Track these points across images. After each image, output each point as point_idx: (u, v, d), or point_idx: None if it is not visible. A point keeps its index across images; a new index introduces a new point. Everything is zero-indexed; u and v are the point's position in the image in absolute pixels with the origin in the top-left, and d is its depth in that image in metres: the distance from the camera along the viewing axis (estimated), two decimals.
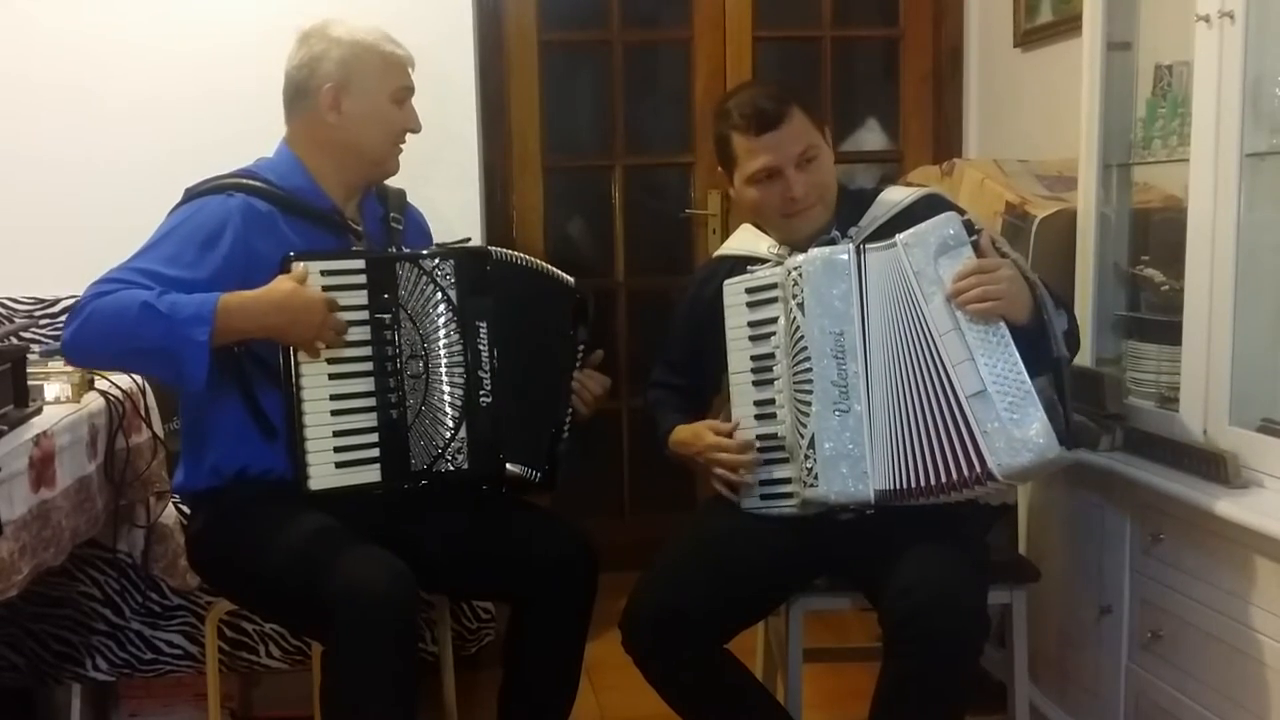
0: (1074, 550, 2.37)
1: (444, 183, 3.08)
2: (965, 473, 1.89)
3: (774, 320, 2.06)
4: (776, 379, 2.06)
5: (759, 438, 2.08)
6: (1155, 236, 2.39)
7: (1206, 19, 1.99)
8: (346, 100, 2.09)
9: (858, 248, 1.99)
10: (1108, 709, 2.26)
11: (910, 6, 3.73)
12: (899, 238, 1.96)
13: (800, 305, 1.99)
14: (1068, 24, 2.97)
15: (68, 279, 2.87)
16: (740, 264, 2.19)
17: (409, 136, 2.17)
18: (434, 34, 3.11)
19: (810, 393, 1.98)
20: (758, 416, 2.08)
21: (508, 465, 2.11)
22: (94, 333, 1.88)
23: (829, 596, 2.18)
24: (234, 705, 2.79)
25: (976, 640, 1.90)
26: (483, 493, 2.18)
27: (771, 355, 2.06)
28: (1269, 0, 1.94)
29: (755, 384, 2.08)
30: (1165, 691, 2.10)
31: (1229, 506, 1.91)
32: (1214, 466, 2.00)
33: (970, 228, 1.94)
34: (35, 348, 2.50)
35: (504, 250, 2.17)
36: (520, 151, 3.65)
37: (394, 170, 2.18)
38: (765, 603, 2.17)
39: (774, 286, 2.06)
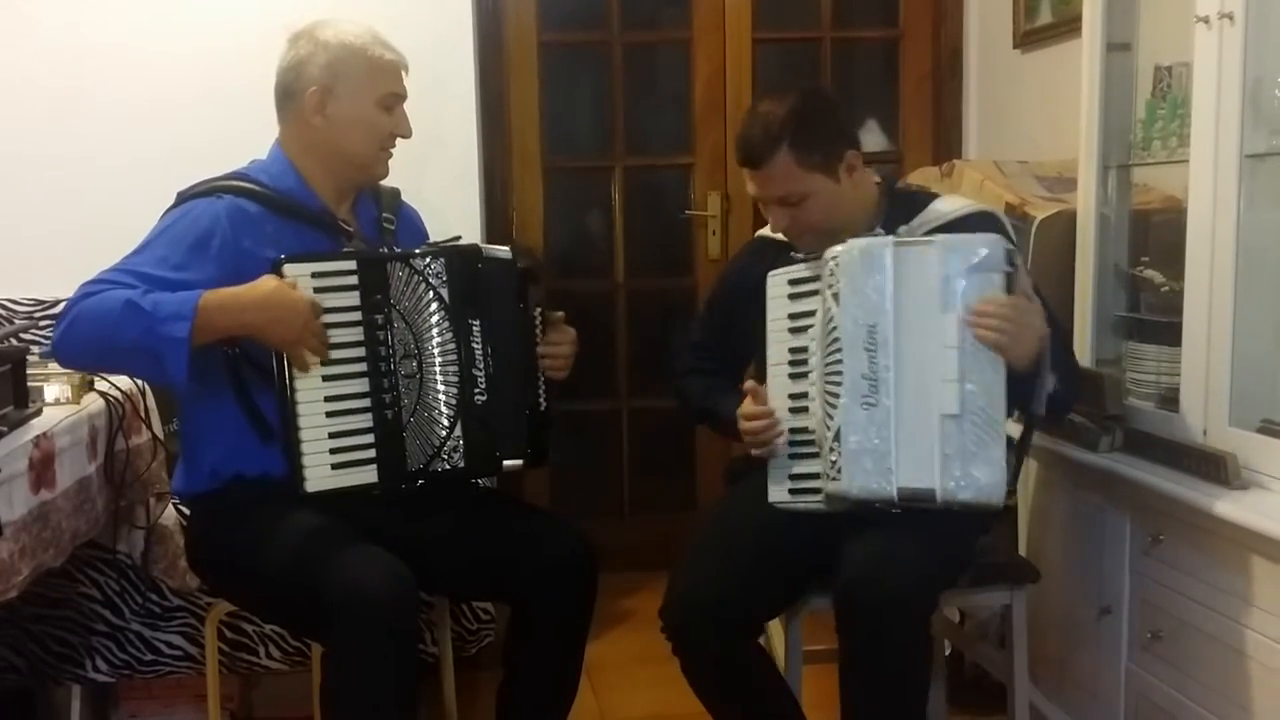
0: (1074, 551, 2.37)
1: (443, 183, 3.08)
2: (919, 485, 1.91)
3: (813, 313, 2.04)
4: (810, 371, 2.04)
5: (791, 430, 2.07)
6: (1155, 237, 2.39)
7: (1206, 20, 1.99)
8: (331, 104, 2.07)
9: (898, 241, 1.96)
10: (1107, 709, 2.26)
11: (910, 7, 3.73)
12: (939, 238, 1.95)
13: (835, 295, 1.96)
14: (1067, 25, 2.97)
15: (68, 280, 2.83)
16: (783, 250, 2.17)
17: (407, 143, 2.16)
18: (433, 34, 3.12)
19: (840, 384, 1.95)
20: (791, 410, 2.06)
21: (505, 462, 2.10)
22: (79, 333, 1.89)
23: (829, 597, 2.18)
24: (234, 706, 2.79)
25: (912, 604, 1.90)
26: (482, 492, 2.18)
27: (807, 348, 2.05)
28: (1268, 1, 1.94)
29: (791, 376, 2.07)
30: (1165, 692, 2.10)
31: (1229, 507, 1.91)
32: (1214, 467, 2.00)
33: (1011, 258, 1.93)
34: (35, 349, 2.50)
35: (492, 247, 2.15)
36: (520, 152, 3.65)
37: (382, 174, 2.17)
38: (793, 595, 2.16)
39: (815, 279, 2.04)
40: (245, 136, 2.19)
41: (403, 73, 2.13)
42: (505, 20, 3.57)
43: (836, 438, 1.95)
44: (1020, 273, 1.93)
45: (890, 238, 1.98)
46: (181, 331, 1.86)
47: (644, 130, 3.88)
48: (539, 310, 2.17)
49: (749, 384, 2.11)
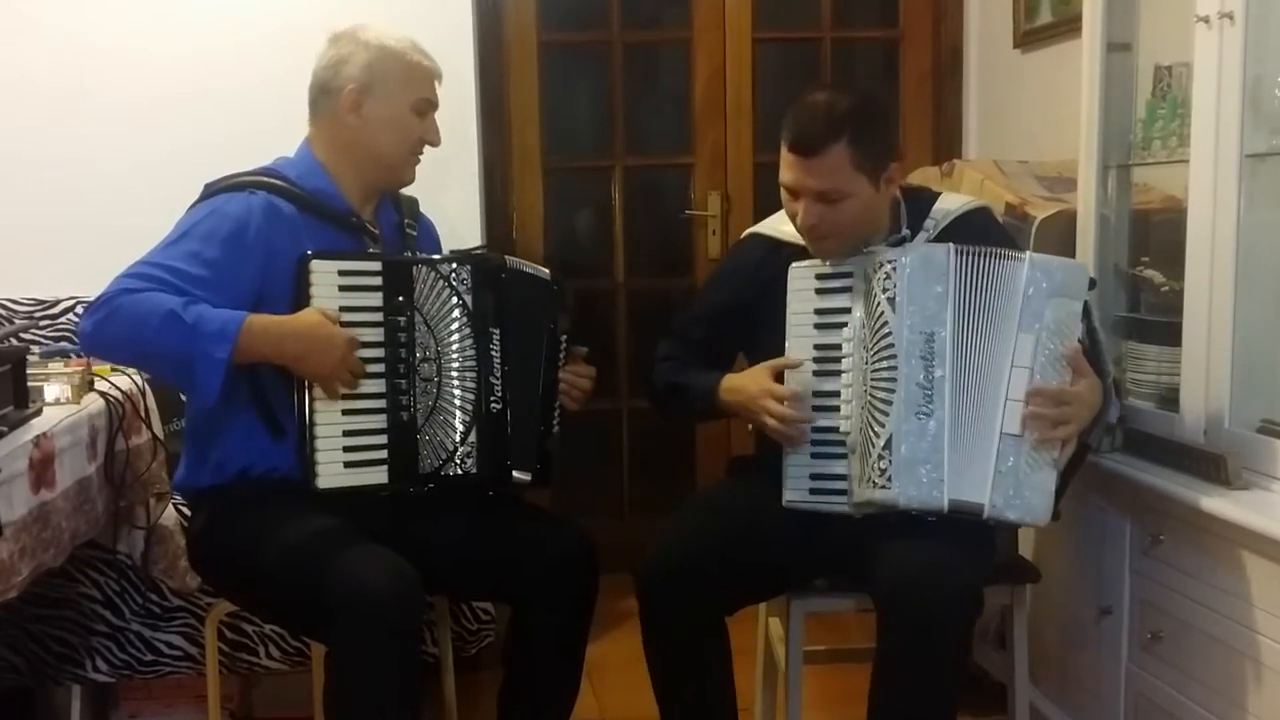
0: (1074, 551, 2.37)
1: (444, 183, 3.07)
2: (969, 499, 1.91)
3: (845, 310, 2.01)
4: (845, 372, 2.01)
5: (815, 429, 2.03)
6: (1155, 237, 2.39)
7: (1206, 20, 1.99)
8: (367, 103, 2.09)
9: (959, 250, 1.94)
10: (1107, 710, 2.26)
11: (910, 7, 3.73)
12: (1030, 254, 1.93)
13: (890, 300, 1.92)
14: (1067, 25, 2.97)
15: (68, 279, 2.89)
16: (792, 250, 2.13)
17: (436, 146, 2.17)
18: (434, 34, 3.06)
19: (892, 392, 1.91)
20: (817, 408, 2.03)
21: (515, 472, 2.11)
22: (116, 330, 1.89)
23: (829, 597, 2.18)
24: (234, 706, 2.79)
25: (964, 610, 1.89)
26: (487, 495, 2.18)
27: (839, 346, 2.01)
28: (1269, 1, 1.94)
29: (817, 374, 2.03)
30: (1165, 692, 2.10)
31: (1229, 507, 1.91)
32: (1214, 467, 2.00)
33: (1092, 284, 1.95)
34: (35, 349, 2.50)
35: (515, 258, 2.18)
36: (520, 152, 3.65)
37: (409, 180, 2.18)
38: (776, 584, 2.17)
39: (849, 275, 2.01)
40: (245, 136, 2.20)
41: (436, 82, 2.16)
42: (505, 20, 3.57)
43: (887, 445, 1.91)
44: (1093, 306, 1.95)
45: (950, 244, 1.96)
46: (223, 353, 1.88)
47: (644, 130, 3.88)
48: (565, 337, 2.20)
49: (778, 361, 2.06)
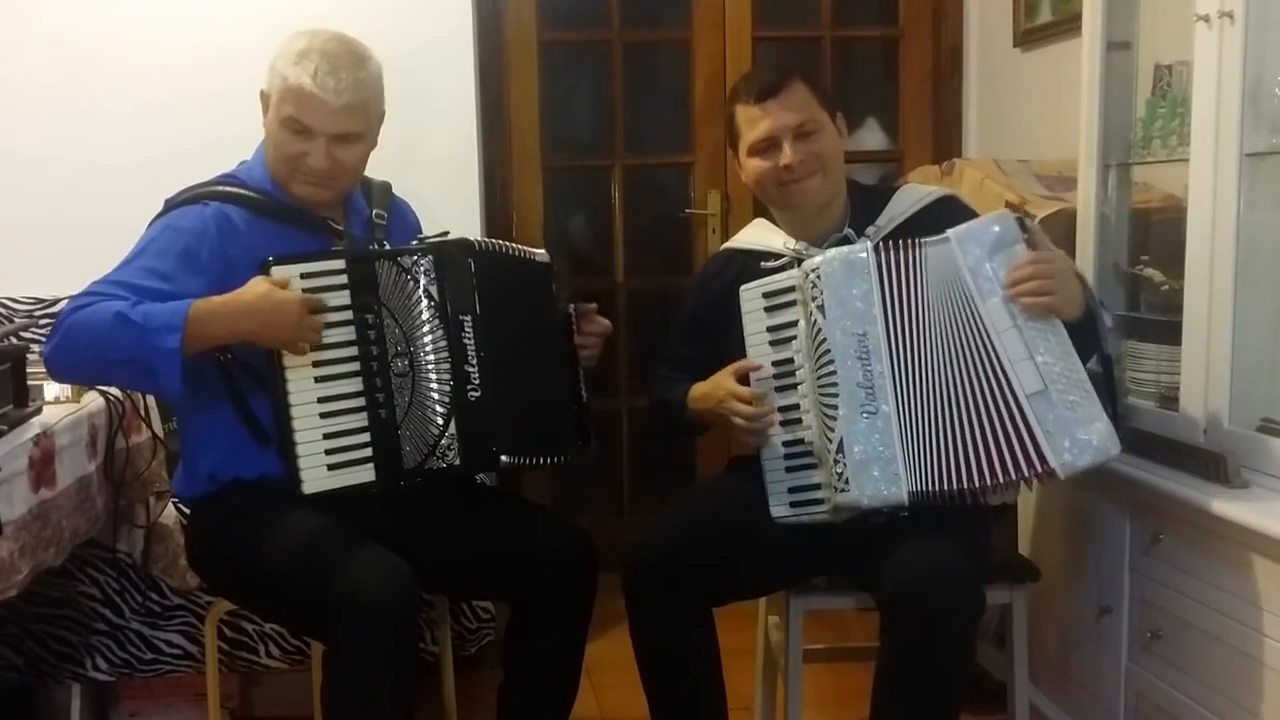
0: (1074, 550, 2.37)
1: (443, 182, 3.08)
2: (1025, 472, 1.89)
3: (794, 324, 2.04)
4: (800, 384, 2.03)
5: (786, 444, 2.06)
6: (1155, 236, 2.39)
7: (1206, 19, 1.99)
8: (268, 109, 2.07)
9: (876, 246, 1.97)
10: (1107, 709, 2.26)
11: (910, 6, 3.73)
12: (951, 233, 1.93)
13: (820, 307, 1.96)
14: (1067, 24, 2.97)
15: (68, 279, 2.85)
16: (753, 260, 2.18)
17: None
18: (434, 33, 3.12)
19: (836, 395, 1.95)
20: (783, 423, 2.06)
21: (502, 458, 2.09)
22: (71, 346, 1.89)
23: (829, 596, 2.19)
24: (234, 705, 2.80)
25: (969, 606, 1.90)
26: (482, 490, 2.18)
27: (792, 360, 2.04)
28: (1269, 0, 1.94)
29: (778, 389, 2.06)
30: (1165, 691, 2.10)
31: (1228, 506, 1.91)
32: (1213, 466, 2.00)
33: (1022, 225, 1.94)
34: (35, 347, 2.50)
35: (486, 240, 2.14)
36: (520, 151, 3.65)
37: (304, 198, 2.07)
38: (769, 580, 2.18)
39: (792, 289, 2.04)
40: (244, 137, 2.18)
41: (325, 104, 2.00)
42: (505, 19, 3.57)
43: (840, 449, 1.94)
44: (1035, 235, 1.93)
45: (867, 243, 1.99)
46: (173, 342, 1.86)
47: (644, 129, 3.88)
48: (573, 306, 2.18)
49: (739, 364, 2.09)
